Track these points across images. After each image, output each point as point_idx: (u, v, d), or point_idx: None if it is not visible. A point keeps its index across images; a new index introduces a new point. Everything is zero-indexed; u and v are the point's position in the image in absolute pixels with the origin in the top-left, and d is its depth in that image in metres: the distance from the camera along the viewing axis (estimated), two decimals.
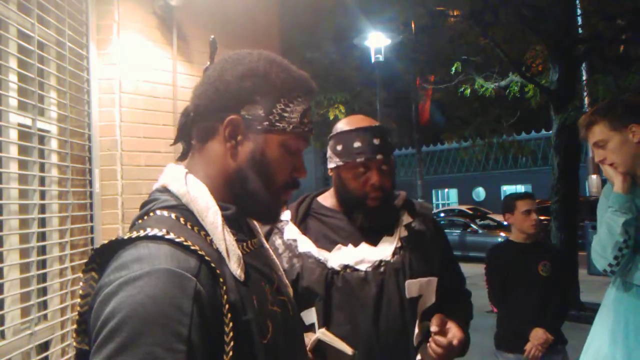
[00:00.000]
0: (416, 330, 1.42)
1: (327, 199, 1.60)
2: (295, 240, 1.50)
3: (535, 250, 2.98)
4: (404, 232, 1.52)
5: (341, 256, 1.45)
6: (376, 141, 1.46)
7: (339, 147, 1.49)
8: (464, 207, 18.52)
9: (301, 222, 1.54)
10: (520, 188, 26.07)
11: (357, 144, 1.46)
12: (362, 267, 1.44)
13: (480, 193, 27.56)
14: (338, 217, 1.53)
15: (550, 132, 7.94)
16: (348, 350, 1.27)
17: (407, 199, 1.61)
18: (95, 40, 2.54)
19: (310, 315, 1.41)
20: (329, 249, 1.47)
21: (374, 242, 1.49)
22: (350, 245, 1.47)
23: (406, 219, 1.55)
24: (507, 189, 24.55)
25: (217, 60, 0.98)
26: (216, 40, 1.02)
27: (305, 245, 1.48)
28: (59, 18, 2.26)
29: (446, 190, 29.38)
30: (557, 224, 7.38)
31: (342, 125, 1.54)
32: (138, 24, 2.71)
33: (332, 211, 1.55)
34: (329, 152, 1.55)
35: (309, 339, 1.29)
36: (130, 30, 2.67)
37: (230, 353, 0.77)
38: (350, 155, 1.46)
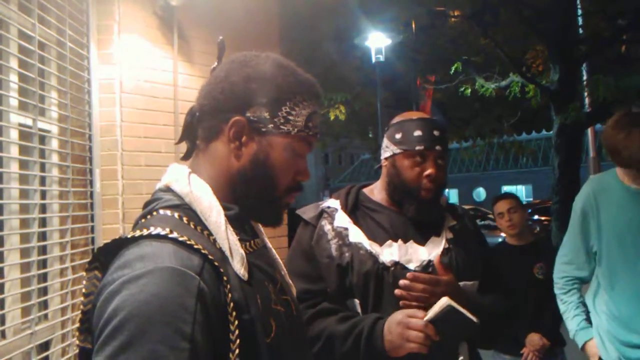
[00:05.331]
0: None
1: (374, 193, 1.58)
2: (346, 229, 1.47)
3: (531, 252, 2.86)
4: (449, 234, 1.51)
5: (392, 252, 1.43)
6: (437, 133, 1.46)
7: (398, 135, 1.48)
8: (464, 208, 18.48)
9: (350, 213, 1.51)
10: (521, 188, 26.00)
11: (417, 133, 1.45)
12: (411, 266, 1.42)
13: (480, 193, 27.56)
14: (386, 213, 1.51)
15: (551, 132, 7.95)
16: (474, 318, 1.25)
17: (448, 202, 1.62)
18: (96, 41, 2.54)
19: (353, 306, 1.41)
20: (379, 244, 1.45)
21: (422, 242, 1.47)
22: (400, 242, 1.45)
23: (450, 221, 1.54)
24: (508, 189, 24.48)
25: (225, 61, 0.98)
26: (224, 41, 1.02)
27: (357, 235, 1.46)
28: (60, 18, 2.26)
29: (446, 190, 29.22)
30: (557, 224, 7.39)
31: (403, 116, 1.54)
32: (139, 24, 2.71)
33: (381, 206, 1.53)
34: (386, 142, 1.53)
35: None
36: (131, 31, 2.67)
37: (237, 351, 0.77)
38: (410, 144, 1.45)
